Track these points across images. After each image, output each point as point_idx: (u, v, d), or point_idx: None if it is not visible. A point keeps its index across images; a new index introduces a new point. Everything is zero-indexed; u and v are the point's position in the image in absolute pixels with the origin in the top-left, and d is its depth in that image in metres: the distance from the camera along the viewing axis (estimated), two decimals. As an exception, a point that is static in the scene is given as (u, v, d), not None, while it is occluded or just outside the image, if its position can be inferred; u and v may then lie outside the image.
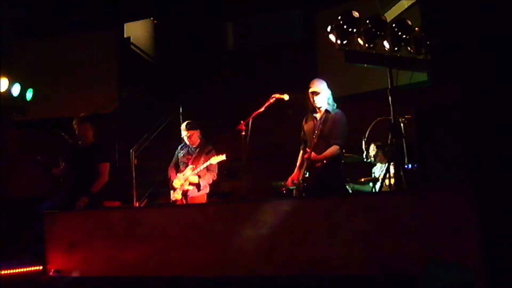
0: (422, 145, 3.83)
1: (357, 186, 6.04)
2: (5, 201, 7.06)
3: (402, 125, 4.95)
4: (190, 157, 5.85)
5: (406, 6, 5.15)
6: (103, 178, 5.25)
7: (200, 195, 5.76)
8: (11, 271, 4.40)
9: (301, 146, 5.03)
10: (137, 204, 7.03)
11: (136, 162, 7.37)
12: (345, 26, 4.23)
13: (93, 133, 5.44)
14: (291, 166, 5.00)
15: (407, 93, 5.05)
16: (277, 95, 5.03)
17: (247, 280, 3.72)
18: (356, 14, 4.24)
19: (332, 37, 4.32)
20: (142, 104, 9.75)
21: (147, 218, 4.28)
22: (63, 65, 9.53)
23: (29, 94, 6.79)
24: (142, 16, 10.71)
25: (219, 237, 3.88)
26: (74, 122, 5.43)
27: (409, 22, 4.32)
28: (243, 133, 4.96)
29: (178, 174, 5.83)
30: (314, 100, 4.82)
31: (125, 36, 10.31)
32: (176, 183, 5.78)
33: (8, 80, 6.49)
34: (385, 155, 6.12)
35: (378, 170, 6.23)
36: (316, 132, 4.76)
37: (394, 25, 4.30)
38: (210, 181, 5.83)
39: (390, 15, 4.99)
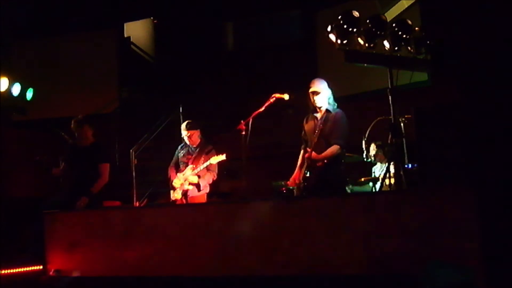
0: (422, 145, 3.83)
1: (356, 188, 6.04)
2: (5, 201, 7.06)
3: (402, 125, 4.95)
4: (190, 157, 5.85)
5: (406, 6, 5.15)
6: (103, 179, 5.25)
7: (200, 195, 5.76)
8: (11, 271, 4.40)
9: (302, 146, 5.02)
10: (137, 204, 7.03)
11: (136, 162, 7.38)
12: (345, 26, 4.23)
13: (93, 133, 5.44)
14: (291, 166, 5.00)
15: (407, 93, 5.05)
16: (277, 95, 5.03)
17: (247, 280, 3.72)
18: (356, 14, 4.25)
19: (332, 37, 4.32)
20: (142, 104, 9.75)
21: (147, 218, 4.29)
22: (63, 65, 9.52)
23: (29, 94, 6.79)
24: (142, 16, 10.71)
25: (219, 237, 3.88)
26: (72, 126, 5.42)
27: (409, 22, 4.32)
28: (243, 133, 4.96)
29: (178, 174, 5.83)
30: (314, 100, 4.82)
31: (125, 36, 10.31)
32: (176, 182, 5.78)
33: (8, 80, 6.49)
34: (385, 155, 6.12)
35: (378, 169, 6.23)
36: (316, 131, 4.76)
37: (394, 25, 4.30)
38: (210, 181, 5.83)
39: (390, 15, 4.98)
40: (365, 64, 4.50)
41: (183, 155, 5.92)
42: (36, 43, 9.68)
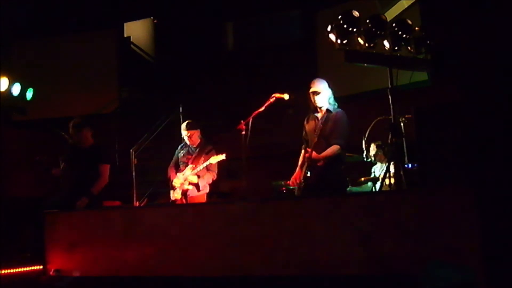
0: (422, 145, 3.83)
1: (355, 188, 6.03)
2: (5, 201, 7.06)
3: (402, 125, 4.95)
4: (190, 157, 5.85)
5: (406, 6, 5.15)
6: (103, 179, 5.24)
7: (200, 195, 5.76)
8: (11, 271, 4.41)
9: (303, 146, 5.02)
10: (137, 204, 7.04)
11: (136, 162, 7.38)
12: (345, 26, 4.23)
13: (92, 134, 5.42)
14: (291, 166, 5.00)
15: (407, 93, 5.05)
16: (277, 95, 5.03)
17: (247, 280, 3.72)
18: (356, 13, 4.25)
19: (332, 37, 4.32)
20: (142, 104, 9.74)
21: (147, 218, 4.28)
22: (63, 65, 9.51)
23: (29, 94, 6.80)
24: (142, 16, 10.71)
25: (219, 237, 3.88)
26: (70, 131, 5.40)
27: (409, 22, 4.32)
28: (243, 133, 4.96)
29: (177, 174, 5.83)
30: (315, 100, 4.82)
31: (125, 36, 10.31)
32: (176, 182, 5.78)
33: (8, 80, 6.49)
34: (385, 155, 6.12)
35: (378, 169, 6.23)
36: (316, 131, 4.76)
37: (394, 24, 4.29)
38: (210, 181, 5.83)
39: (390, 14, 4.98)
40: (365, 64, 4.50)
41: (183, 155, 5.92)
42: (36, 43, 9.68)
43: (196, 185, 5.70)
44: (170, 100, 8.80)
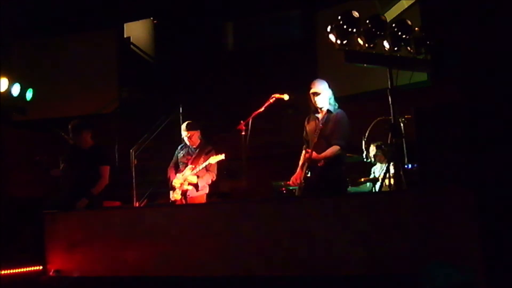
0: (422, 145, 3.82)
1: (353, 188, 6.03)
2: (5, 201, 7.06)
3: (402, 125, 4.95)
4: (190, 157, 5.84)
5: (406, 6, 5.16)
6: (103, 180, 5.23)
7: (199, 195, 5.76)
8: (11, 271, 4.40)
9: (304, 146, 5.02)
10: (137, 204, 7.04)
11: (136, 162, 7.38)
12: (345, 26, 4.23)
13: (91, 136, 5.42)
14: (291, 166, 5.00)
15: (407, 93, 5.05)
16: (277, 95, 5.03)
17: (247, 280, 3.72)
18: (356, 14, 4.25)
19: (332, 37, 4.32)
20: (142, 104, 9.75)
21: (147, 218, 4.29)
22: (63, 65, 9.52)
23: (29, 94, 6.79)
24: (142, 16, 10.71)
25: (219, 237, 3.88)
26: (70, 134, 5.40)
27: (409, 22, 4.32)
28: (243, 133, 4.96)
29: (177, 174, 5.83)
30: (315, 101, 4.82)
31: (125, 36, 10.31)
32: (176, 183, 5.78)
33: (8, 80, 6.48)
34: (385, 155, 6.11)
35: (378, 170, 6.23)
36: (317, 131, 4.76)
37: (394, 25, 4.30)
38: (209, 182, 5.82)
39: (390, 15, 5.00)
40: (365, 64, 4.50)
41: (183, 155, 5.92)
42: (36, 43, 9.68)
43: (195, 185, 5.70)
44: (170, 100, 8.81)
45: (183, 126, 5.91)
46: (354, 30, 4.22)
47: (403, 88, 4.65)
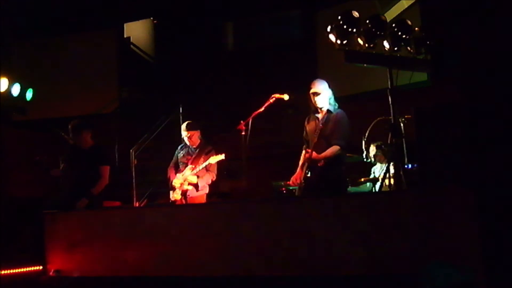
0: (422, 145, 3.83)
1: (353, 188, 6.03)
2: (5, 201, 7.06)
3: (402, 125, 4.95)
4: (190, 157, 5.84)
5: (406, 6, 5.16)
6: (103, 180, 5.23)
7: (199, 195, 5.76)
8: (11, 271, 4.40)
9: (304, 146, 5.02)
10: (137, 204, 7.04)
11: (136, 162, 7.38)
12: (345, 26, 4.23)
13: (91, 136, 5.41)
14: (291, 166, 5.00)
15: (407, 93, 5.05)
16: (277, 95, 5.03)
17: (247, 280, 3.72)
18: (356, 14, 4.25)
19: (332, 37, 4.32)
20: (142, 104, 9.75)
21: (147, 218, 4.29)
22: (63, 65, 9.52)
23: (29, 94, 6.79)
24: (142, 16, 10.71)
25: (219, 237, 3.88)
26: (70, 135, 5.40)
27: (409, 22, 4.32)
28: (243, 133, 4.96)
29: (177, 174, 5.83)
30: (315, 101, 4.82)
31: (125, 36, 10.31)
32: (176, 183, 5.78)
33: (8, 80, 6.48)
34: (385, 155, 6.11)
35: (378, 170, 6.23)
36: (317, 131, 4.76)
37: (394, 25, 4.30)
38: (209, 182, 5.82)
39: (390, 15, 5.00)
40: (365, 64, 4.50)
41: (183, 155, 5.92)
42: (36, 43, 9.68)
43: (195, 185, 5.70)
44: (170, 100, 8.81)
45: (183, 126, 5.91)
46: (354, 30, 4.22)
47: (403, 88, 4.65)
